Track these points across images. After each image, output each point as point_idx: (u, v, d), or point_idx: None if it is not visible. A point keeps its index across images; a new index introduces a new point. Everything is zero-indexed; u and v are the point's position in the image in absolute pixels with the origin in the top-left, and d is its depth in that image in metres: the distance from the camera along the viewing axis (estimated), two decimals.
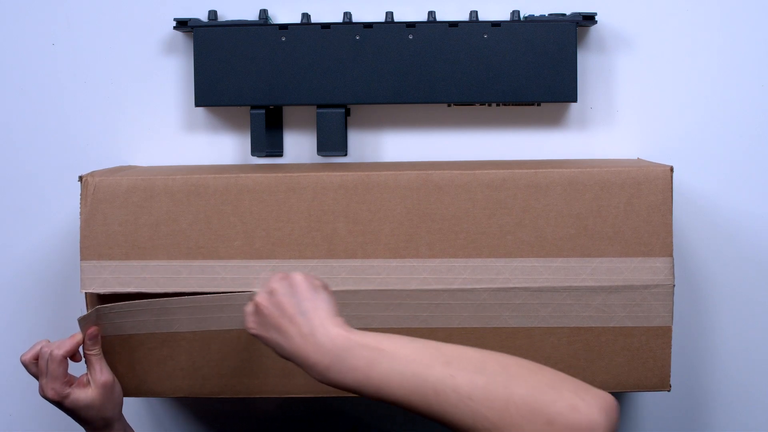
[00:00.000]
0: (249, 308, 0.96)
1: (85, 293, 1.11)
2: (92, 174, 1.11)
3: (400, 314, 1.09)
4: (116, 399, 1.08)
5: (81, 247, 1.10)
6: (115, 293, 1.10)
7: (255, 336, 0.94)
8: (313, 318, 0.90)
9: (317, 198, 1.09)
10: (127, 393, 1.11)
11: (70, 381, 1.06)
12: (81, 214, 1.10)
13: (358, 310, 1.09)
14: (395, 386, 0.85)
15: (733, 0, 1.26)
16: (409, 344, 0.87)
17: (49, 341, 1.06)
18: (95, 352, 1.06)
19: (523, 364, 0.83)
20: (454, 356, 0.84)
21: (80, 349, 1.07)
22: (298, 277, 0.94)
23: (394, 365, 0.85)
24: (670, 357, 1.10)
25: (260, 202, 1.10)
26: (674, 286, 1.08)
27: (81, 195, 1.10)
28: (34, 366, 1.06)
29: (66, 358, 1.05)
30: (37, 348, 1.06)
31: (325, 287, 0.95)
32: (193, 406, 1.34)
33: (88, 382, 1.06)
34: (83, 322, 1.05)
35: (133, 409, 1.30)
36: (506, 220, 1.08)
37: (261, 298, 0.94)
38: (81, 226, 1.10)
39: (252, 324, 0.94)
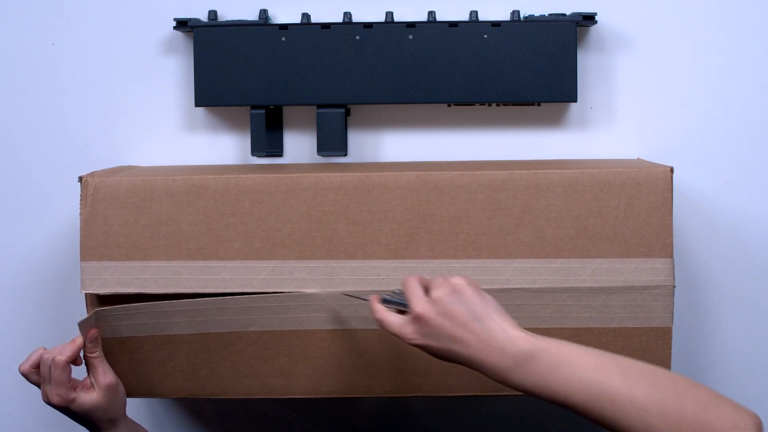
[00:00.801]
0: (395, 319, 0.96)
1: (85, 294, 1.11)
2: (92, 174, 1.11)
3: None
4: (120, 399, 1.08)
5: (81, 248, 1.10)
6: (115, 294, 1.10)
7: (417, 346, 0.94)
8: (489, 321, 0.91)
9: (317, 199, 1.09)
10: (127, 393, 1.11)
11: (74, 385, 1.05)
12: (81, 214, 1.10)
13: (358, 311, 1.09)
14: (573, 392, 0.86)
15: (733, 0, 1.25)
16: (585, 351, 0.88)
17: (45, 348, 1.06)
18: (96, 354, 1.06)
19: (687, 380, 0.86)
20: (629, 367, 0.86)
21: (80, 353, 1.07)
22: (461, 282, 0.94)
23: (574, 372, 0.86)
24: (670, 358, 1.09)
25: (260, 203, 1.10)
26: (674, 287, 1.08)
27: (81, 195, 1.10)
28: (35, 374, 1.05)
29: (69, 363, 1.04)
30: (35, 356, 1.05)
31: (482, 288, 0.96)
32: (192, 406, 1.34)
33: (92, 385, 1.06)
34: (83, 325, 1.05)
35: (132, 409, 1.29)
36: (506, 220, 1.08)
37: (423, 309, 0.93)
38: (81, 227, 1.10)
39: (413, 335, 0.94)
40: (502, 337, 0.90)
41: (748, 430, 0.81)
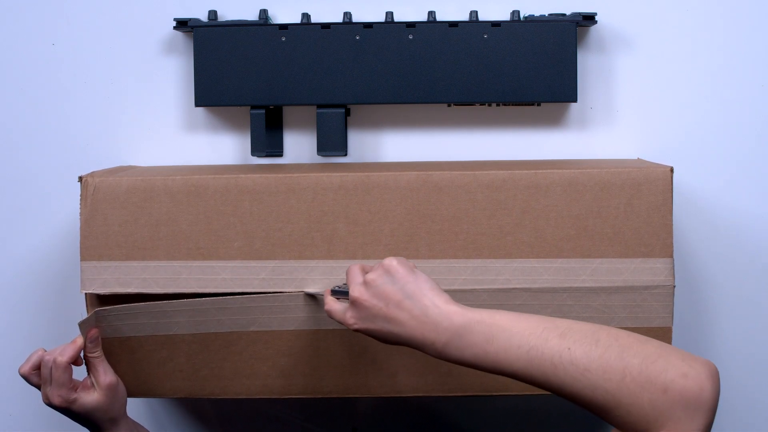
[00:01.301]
0: (338, 306, 0.97)
1: (85, 294, 1.11)
2: (92, 174, 1.11)
3: None
4: (121, 398, 1.08)
5: (81, 248, 1.10)
6: (115, 294, 1.10)
7: (358, 331, 0.95)
8: (422, 298, 0.91)
9: (317, 198, 1.09)
10: (127, 393, 1.11)
11: (75, 386, 1.05)
12: (81, 214, 1.10)
13: None
14: (513, 360, 0.86)
15: (733, 0, 1.25)
16: (523, 318, 0.88)
17: (44, 349, 1.05)
18: (97, 354, 1.06)
19: (631, 335, 0.85)
20: (568, 329, 0.86)
21: (81, 353, 1.07)
22: (393, 262, 0.94)
23: (511, 340, 0.86)
24: None
25: (260, 203, 1.10)
26: (674, 287, 1.08)
27: (81, 195, 1.10)
28: (35, 376, 1.05)
29: (70, 364, 1.04)
30: (35, 357, 1.04)
31: (416, 267, 0.96)
32: (192, 406, 1.34)
33: (93, 385, 1.06)
34: (83, 326, 1.05)
35: (132, 408, 1.29)
36: (506, 220, 1.09)
37: (358, 293, 0.94)
38: (81, 227, 1.10)
39: (353, 320, 0.95)
40: (435, 313, 0.90)
41: (700, 379, 0.80)
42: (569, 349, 0.84)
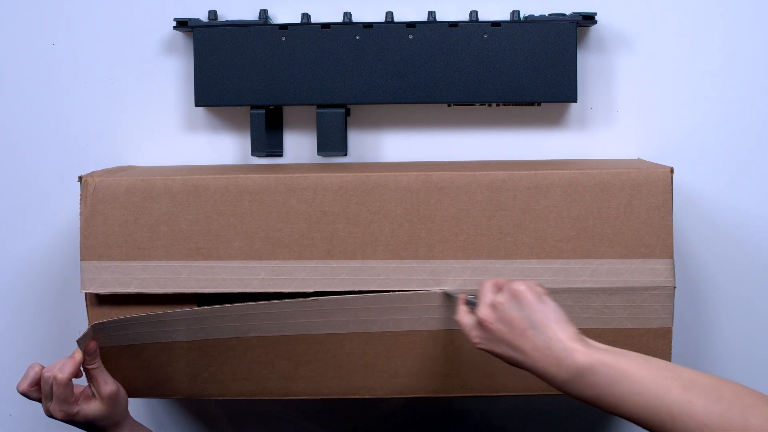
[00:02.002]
0: (467, 321, 0.97)
1: (85, 294, 1.11)
2: (92, 174, 1.11)
3: (400, 317, 1.09)
4: (123, 403, 1.08)
5: (81, 248, 1.10)
6: (115, 293, 1.10)
7: (483, 350, 0.95)
8: (546, 330, 0.90)
9: (317, 199, 1.09)
10: (127, 394, 1.11)
11: (77, 398, 1.04)
12: (81, 214, 1.10)
13: (357, 314, 1.08)
14: (632, 406, 0.85)
15: (733, 0, 1.25)
16: (646, 364, 0.87)
17: (41, 364, 1.04)
18: (95, 365, 1.05)
19: (755, 394, 0.83)
20: (691, 380, 0.84)
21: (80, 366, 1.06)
22: (522, 287, 0.93)
23: (633, 386, 0.85)
24: (670, 359, 1.09)
25: (260, 203, 1.10)
26: (675, 287, 1.08)
27: (81, 195, 1.10)
28: (35, 392, 1.04)
29: (71, 380, 1.03)
30: (32, 374, 1.04)
31: (548, 293, 0.94)
32: (193, 406, 1.34)
33: (93, 395, 1.05)
34: (82, 342, 1.04)
35: (132, 409, 1.29)
36: (506, 221, 1.08)
37: (484, 314, 0.94)
38: (81, 227, 1.10)
39: (478, 339, 0.95)
40: (558, 348, 0.89)
41: None
42: (690, 401, 0.82)
